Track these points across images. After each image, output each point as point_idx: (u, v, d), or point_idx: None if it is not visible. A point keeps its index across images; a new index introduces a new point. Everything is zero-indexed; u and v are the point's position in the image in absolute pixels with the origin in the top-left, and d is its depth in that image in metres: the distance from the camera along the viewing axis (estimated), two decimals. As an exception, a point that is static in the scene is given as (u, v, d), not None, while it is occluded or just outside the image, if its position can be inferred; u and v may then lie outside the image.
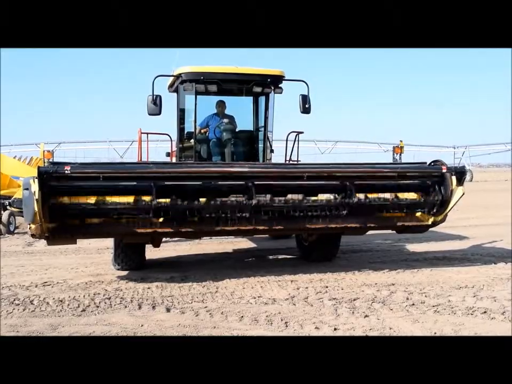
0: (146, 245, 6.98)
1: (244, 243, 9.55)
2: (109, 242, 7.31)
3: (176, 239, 9.03)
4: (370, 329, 4.41)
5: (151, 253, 7.51)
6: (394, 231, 7.18)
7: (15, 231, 11.25)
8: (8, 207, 11.36)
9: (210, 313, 4.91)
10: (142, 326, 4.56)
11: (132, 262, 6.87)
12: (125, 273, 6.77)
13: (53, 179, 5.39)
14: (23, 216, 6.19)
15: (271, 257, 8.17)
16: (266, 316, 4.80)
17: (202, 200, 5.96)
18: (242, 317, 4.81)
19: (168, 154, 9.19)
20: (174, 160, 8.50)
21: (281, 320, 4.68)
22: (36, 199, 5.13)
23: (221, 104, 8.15)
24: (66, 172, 5.33)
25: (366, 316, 4.80)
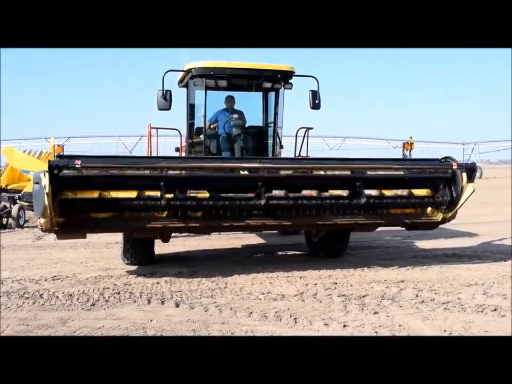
0: (155, 240, 6.99)
1: (253, 239, 9.56)
2: (118, 236, 7.33)
3: (185, 234, 9.04)
4: (379, 326, 4.39)
5: (160, 248, 7.53)
6: (403, 228, 7.15)
7: (25, 225, 11.33)
8: (18, 201, 11.45)
9: (219, 309, 4.92)
10: (151, 321, 4.57)
11: (141, 256, 6.89)
12: (134, 268, 6.79)
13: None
14: (33, 210, 6.21)
15: (280, 253, 8.17)
16: (275, 312, 4.79)
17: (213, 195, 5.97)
18: (251, 312, 4.80)
19: (177, 149, 9.19)
20: (183, 155, 8.49)
21: (290, 316, 4.67)
22: (46, 193, 5.15)
23: (230, 100, 8.12)
24: (77, 165, 5.35)
25: (376, 313, 4.78)
